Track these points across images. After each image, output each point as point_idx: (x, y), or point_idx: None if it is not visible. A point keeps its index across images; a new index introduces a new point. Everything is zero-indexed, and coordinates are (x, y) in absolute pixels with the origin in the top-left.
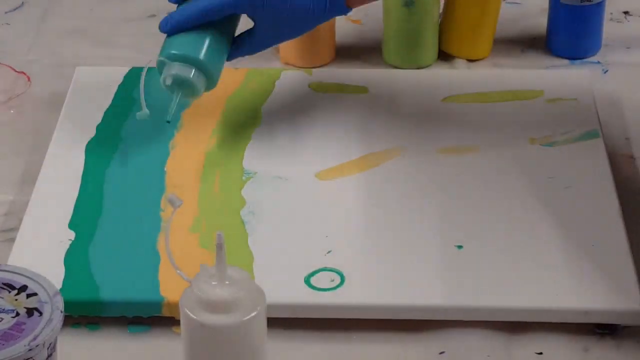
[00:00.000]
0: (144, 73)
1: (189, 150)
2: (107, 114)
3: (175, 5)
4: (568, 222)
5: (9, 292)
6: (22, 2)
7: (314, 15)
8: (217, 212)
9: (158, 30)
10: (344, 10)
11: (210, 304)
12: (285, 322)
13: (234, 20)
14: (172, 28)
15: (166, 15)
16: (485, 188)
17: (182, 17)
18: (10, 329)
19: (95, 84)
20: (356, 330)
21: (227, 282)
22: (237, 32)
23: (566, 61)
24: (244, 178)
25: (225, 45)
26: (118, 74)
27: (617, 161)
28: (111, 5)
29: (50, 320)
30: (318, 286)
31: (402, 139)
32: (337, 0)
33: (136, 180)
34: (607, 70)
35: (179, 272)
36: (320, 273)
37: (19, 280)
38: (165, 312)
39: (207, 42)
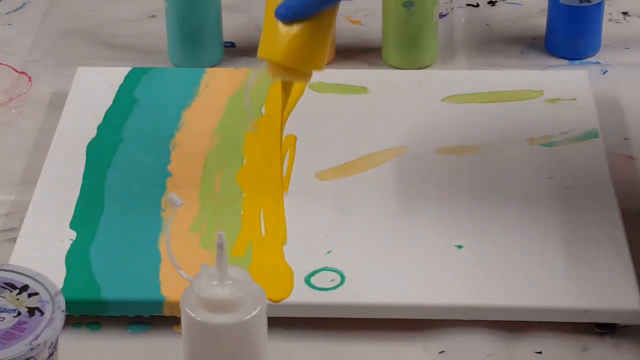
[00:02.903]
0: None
1: (190, 150)
2: (108, 114)
3: None
4: (567, 222)
5: (11, 291)
6: (24, 3)
7: None
8: (218, 212)
9: (159, 30)
10: None
11: (211, 303)
12: (285, 322)
13: None
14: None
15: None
16: (485, 188)
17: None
18: (11, 328)
19: (96, 84)
20: (356, 330)
21: (227, 282)
22: None
23: (565, 61)
24: None
25: None
26: (119, 74)
27: (616, 161)
28: (112, 5)
29: (51, 319)
30: (318, 286)
31: (402, 139)
32: None
33: (137, 180)
34: (606, 71)
35: (180, 271)
36: (320, 273)
37: (21, 280)
38: (166, 312)
39: None
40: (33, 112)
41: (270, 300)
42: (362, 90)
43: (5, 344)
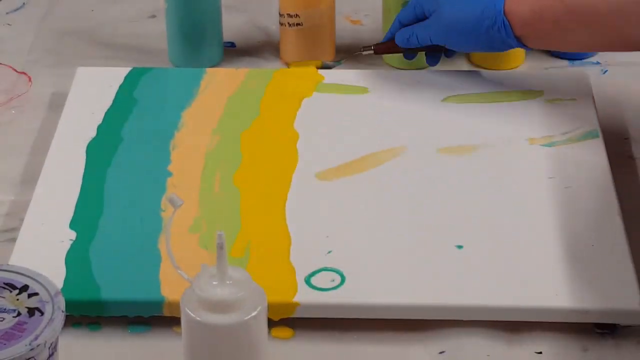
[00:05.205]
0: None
1: (190, 150)
2: (108, 114)
3: None
4: (568, 222)
5: (11, 291)
6: (24, 3)
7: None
8: (218, 212)
9: (159, 31)
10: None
11: (211, 303)
12: (285, 322)
13: None
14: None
15: None
16: (485, 188)
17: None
18: (11, 328)
19: (96, 84)
20: (356, 330)
21: (227, 282)
22: None
23: (566, 62)
24: None
25: None
26: (119, 74)
27: (616, 161)
28: (112, 5)
29: (51, 320)
30: (318, 286)
31: (402, 139)
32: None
33: (137, 180)
34: (606, 71)
35: (180, 272)
36: (320, 273)
37: (20, 280)
38: (166, 312)
39: None
40: (33, 112)
41: (273, 303)
42: (362, 90)
43: (5, 344)
